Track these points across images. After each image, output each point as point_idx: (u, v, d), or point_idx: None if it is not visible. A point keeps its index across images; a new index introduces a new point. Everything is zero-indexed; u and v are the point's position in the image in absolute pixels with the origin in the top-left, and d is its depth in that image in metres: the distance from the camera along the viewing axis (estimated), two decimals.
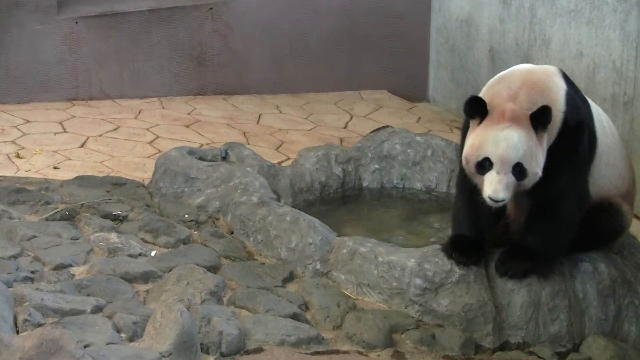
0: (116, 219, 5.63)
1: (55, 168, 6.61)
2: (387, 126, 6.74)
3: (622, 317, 5.08)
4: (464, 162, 4.80)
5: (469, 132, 4.78)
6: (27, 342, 3.75)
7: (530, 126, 4.65)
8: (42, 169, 6.57)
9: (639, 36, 6.64)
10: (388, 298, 5.00)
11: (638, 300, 5.10)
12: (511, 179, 4.64)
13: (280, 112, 8.29)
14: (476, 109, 4.73)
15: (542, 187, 4.82)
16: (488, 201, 4.67)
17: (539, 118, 4.64)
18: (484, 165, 4.67)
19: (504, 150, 4.63)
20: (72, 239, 5.29)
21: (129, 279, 4.91)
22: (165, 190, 6.02)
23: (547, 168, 4.77)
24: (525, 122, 4.64)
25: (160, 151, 6.85)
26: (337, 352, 4.59)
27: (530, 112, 4.65)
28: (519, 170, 4.64)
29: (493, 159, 4.65)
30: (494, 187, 4.64)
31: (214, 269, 5.12)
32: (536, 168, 4.67)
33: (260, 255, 5.44)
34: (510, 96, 4.72)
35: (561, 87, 4.83)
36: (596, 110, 5.07)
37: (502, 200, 4.65)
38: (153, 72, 8.29)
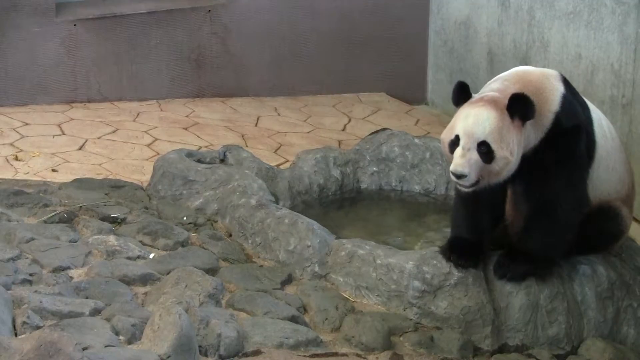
0: (114, 221, 5.62)
1: (53, 170, 6.61)
2: (385, 129, 6.74)
3: (621, 319, 5.08)
4: (441, 145, 4.81)
5: None
6: (25, 344, 3.75)
7: (506, 112, 4.64)
8: (41, 171, 6.57)
9: (637, 38, 6.64)
10: (386, 300, 5.00)
11: (636, 302, 5.11)
12: (475, 156, 4.60)
13: (279, 114, 8.29)
14: (461, 95, 4.76)
15: (540, 189, 4.83)
16: (452, 178, 4.65)
17: (513, 105, 4.63)
18: (455, 142, 4.67)
19: (470, 125, 4.62)
20: (70, 241, 5.29)
21: (128, 281, 4.91)
22: (164, 192, 6.02)
23: (543, 170, 4.77)
24: (503, 108, 4.65)
25: (158, 154, 6.85)
26: (335, 354, 4.59)
27: None
28: (485, 151, 4.60)
29: (460, 134, 4.64)
30: (455, 160, 4.61)
31: (212, 271, 5.12)
32: (505, 152, 4.61)
33: (259, 257, 5.43)
34: (500, 89, 4.75)
35: (557, 89, 4.84)
36: (597, 115, 5.07)
37: (463, 176, 4.58)
38: (151, 74, 8.29)
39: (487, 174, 4.65)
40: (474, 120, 4.62)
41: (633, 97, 6.69)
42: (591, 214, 4.99)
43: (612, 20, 6.86)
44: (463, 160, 4.59)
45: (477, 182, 4.65)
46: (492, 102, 4.66)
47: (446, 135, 4.74)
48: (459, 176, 4.60)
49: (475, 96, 4.77)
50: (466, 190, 4.68)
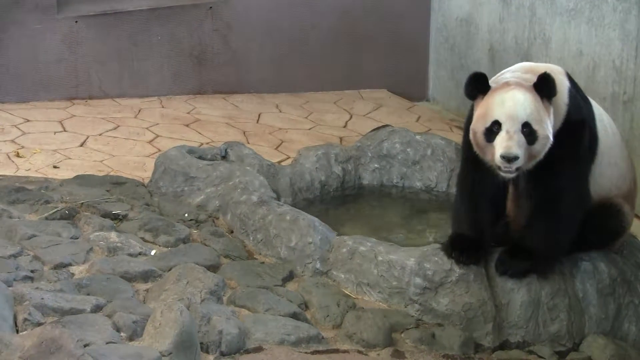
0: (116, 218, 5.63)
1: (55, 167, 6.61)
2: (386, 125, 6.74)
3: (622, 316, 5.07)
4: (471, 135, 4.74)
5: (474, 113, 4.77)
6: (26, 341, 3.75)
7: (536, 92, 4.64)
8: (42, 168, 6.57)
9: (638, 35, 6.64)
10: (388, 297, 5.00)
11: (638, 299, 5.10)
12: (522, 138, 4.58)
13: (280, 111, 8.29)
14: (478, 86, 4.75)
15: (543, 186, 4.83)
16: (500, 162, 4.58)
17: (543, 85, 4.64)
18: (493, 130, 4.63)
19: (512, 108, 4.60)
20: (71, 238, 5.29)
21: (129, 278, 4.91)
22: (165, 189, 6.02)
23: (546, 166, 4.77)
24: (532, 90, 4.65)
25: (160, 150, 6.85)
26: (336, 351, 4.59)
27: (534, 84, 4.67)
28: (528, 132, 4.59)
29: (501, 119, 4.61)
30: (505, 144, 4.56)
31: (213, 268, 5.12)
32: (546, 131, 4.62)
33: (260, 254, 5.43)
34: (516, 77, 4.74)
35: (564, 83, 4.85)
36: (598, 111, 5.07)
37: (516, 158, 4.55)
38: (153, 71, 8.29)
39: (528, 156, 4.64)
40: (513, 103, 4.61)
41: (634, 94, 6.68)
42: (593, 210, 4.99)
43: (613, 17, 6.85)
44: (513, 142, 4.56)
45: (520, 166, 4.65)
46: (520, 85, 4.66)
47: (479, 125, 4.69)
48: (511, 159, 4.56)
49: (493, 85, 4.76)
50: (511, 176, 4.65)
